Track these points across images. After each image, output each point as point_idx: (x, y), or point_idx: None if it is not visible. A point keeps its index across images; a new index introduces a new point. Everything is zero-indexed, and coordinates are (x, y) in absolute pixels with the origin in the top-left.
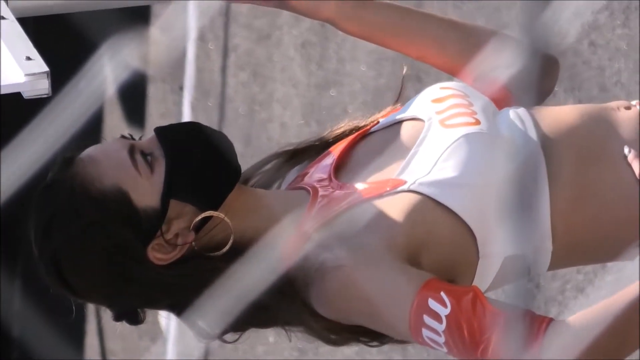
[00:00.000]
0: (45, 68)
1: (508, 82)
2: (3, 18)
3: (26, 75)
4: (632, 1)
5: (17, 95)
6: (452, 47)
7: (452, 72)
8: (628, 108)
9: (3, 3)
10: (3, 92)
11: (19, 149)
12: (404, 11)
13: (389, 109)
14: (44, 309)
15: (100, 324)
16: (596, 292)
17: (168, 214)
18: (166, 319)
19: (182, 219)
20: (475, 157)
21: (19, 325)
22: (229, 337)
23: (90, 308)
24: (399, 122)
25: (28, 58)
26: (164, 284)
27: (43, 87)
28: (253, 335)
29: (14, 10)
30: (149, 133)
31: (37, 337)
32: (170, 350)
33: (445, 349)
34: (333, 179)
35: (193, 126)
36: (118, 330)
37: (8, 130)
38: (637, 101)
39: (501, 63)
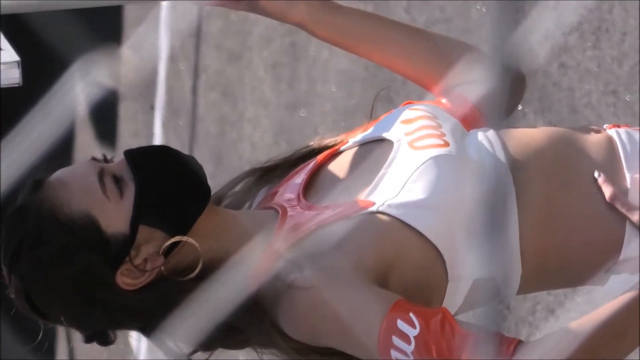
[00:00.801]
0: (16, 57)
1: (478, 102)
2: None
3: None
4: (602, 23)
5: None
6: (419, 57)
7: (418, 82)
8: (598, 132)
9: None
10: None
11: None
12: (374, 18)
13: (359, 129)
14: (13, 328)
15: (70, 343)
16: (566, 313)
17: (137, 239)
18: (136, 340)
19: (151, 244)
20: (443, 179)
21: None
22: (199, 356)
23: (61, 327)
24: (368, 143)
25: None
26: (133, 308)
27: (14, 76)
28: (223, 354)
29: None
30: (120, 152)
31: (6, 356)
32: None
33: None
34: (302, 199)
35: (163, 150)
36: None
37: None
38: (607, 125)
39: (470, 78)
